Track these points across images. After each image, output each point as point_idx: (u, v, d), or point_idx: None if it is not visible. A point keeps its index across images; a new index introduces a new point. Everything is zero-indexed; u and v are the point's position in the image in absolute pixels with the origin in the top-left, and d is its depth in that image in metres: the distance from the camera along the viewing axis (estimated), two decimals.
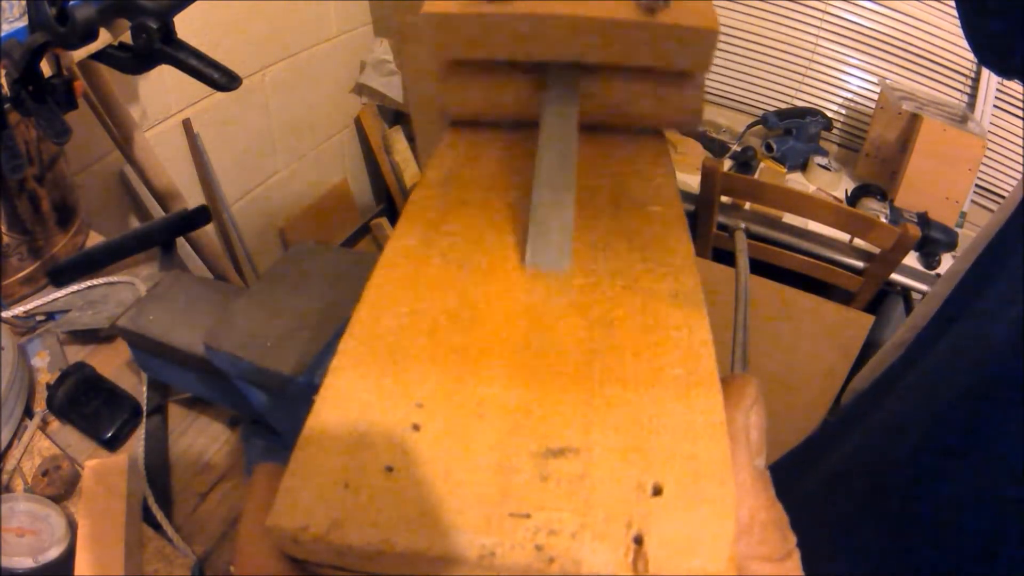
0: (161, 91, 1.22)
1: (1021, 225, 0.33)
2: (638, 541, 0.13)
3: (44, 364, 0.67)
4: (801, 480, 0.41)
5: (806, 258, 1.36)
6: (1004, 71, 0.34)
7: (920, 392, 0.35)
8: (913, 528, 0.31)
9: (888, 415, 0.37)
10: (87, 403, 0.61)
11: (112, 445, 0.60)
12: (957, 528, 0.29)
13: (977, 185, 1.63)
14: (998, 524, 0.27)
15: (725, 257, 1.35)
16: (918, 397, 0.35)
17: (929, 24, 1.64)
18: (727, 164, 1.64)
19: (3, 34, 0.59)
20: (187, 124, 1.30)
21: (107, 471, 0.54)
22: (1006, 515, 0.27)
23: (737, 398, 0.16)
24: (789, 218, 1.46)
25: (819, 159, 1.66)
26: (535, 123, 0.24)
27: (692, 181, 1.41)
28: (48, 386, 0.62)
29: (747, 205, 1.49)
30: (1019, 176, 1.62)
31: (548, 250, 0.19)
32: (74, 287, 0.73)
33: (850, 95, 1.79)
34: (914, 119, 1.55)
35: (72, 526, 0.51)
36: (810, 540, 0.15)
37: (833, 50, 1.75)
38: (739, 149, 1.66)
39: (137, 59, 0.63)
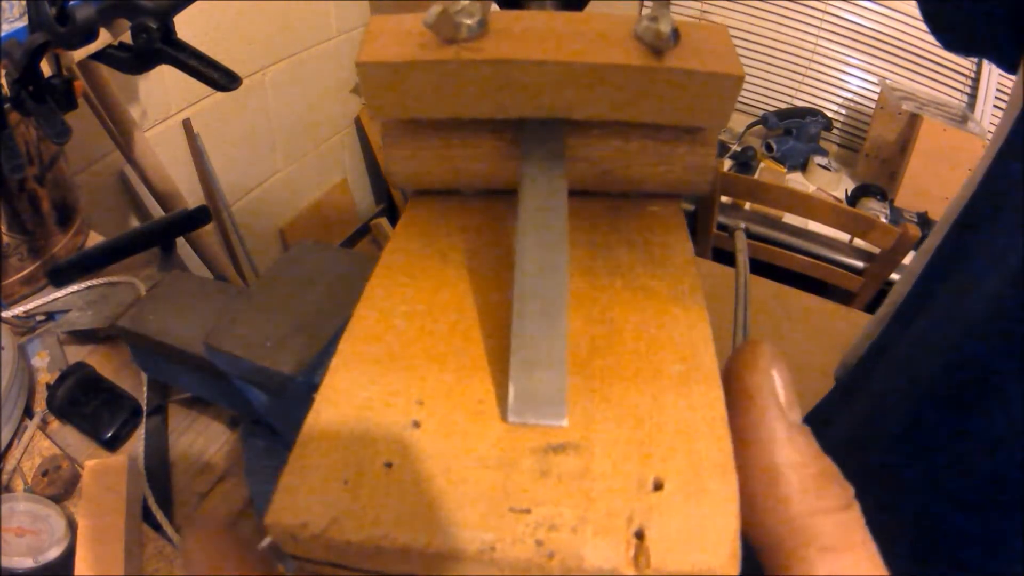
0: (161, 91, 1.22)
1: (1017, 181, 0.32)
2: (639, 536, 0.13)
3: (44, 364, 0.67)
4: None
5: (806, 258, 1.36)
6: (966, 51, 0.34)
7: (910, 359, 0.34)
8: (902, 499, 0.31)
9: (877, 386, 0.37)
10: (87, 403, 0.61)
11: (112, 445, 0.60)
12: (946, 505, 0.29)
13: None
14: (989, 492, 0.27)
15: (725, 257, 1.35)
16: (906, 366, 0.34)
17: None
18: (727, 164, 1.64)
19: (3, 34, 0.59)
20: (187, 124, 1.30)
21: (107, 471, 0.54)
22: (1004, 482, 0.27)
23: (751, 361, 0.15)
24: (789, 218, 1.46)
25: (819, 159, 1.66)
26: (509, 189, 0.19)
27: None
28: (48, 386, 0.62)
29: (747, 205, 1.49)
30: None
31: (539, 402, 0.15)
32: (74, 287, 0.73)
33: (850, 95, 1.79)
34: (914, 119, 1.55)
35: (72, 526, 0.51)
36: None
37: (833, 50, 1.75)
38: (739, 149, 1.66)
39: (137, 59, 0.63)
